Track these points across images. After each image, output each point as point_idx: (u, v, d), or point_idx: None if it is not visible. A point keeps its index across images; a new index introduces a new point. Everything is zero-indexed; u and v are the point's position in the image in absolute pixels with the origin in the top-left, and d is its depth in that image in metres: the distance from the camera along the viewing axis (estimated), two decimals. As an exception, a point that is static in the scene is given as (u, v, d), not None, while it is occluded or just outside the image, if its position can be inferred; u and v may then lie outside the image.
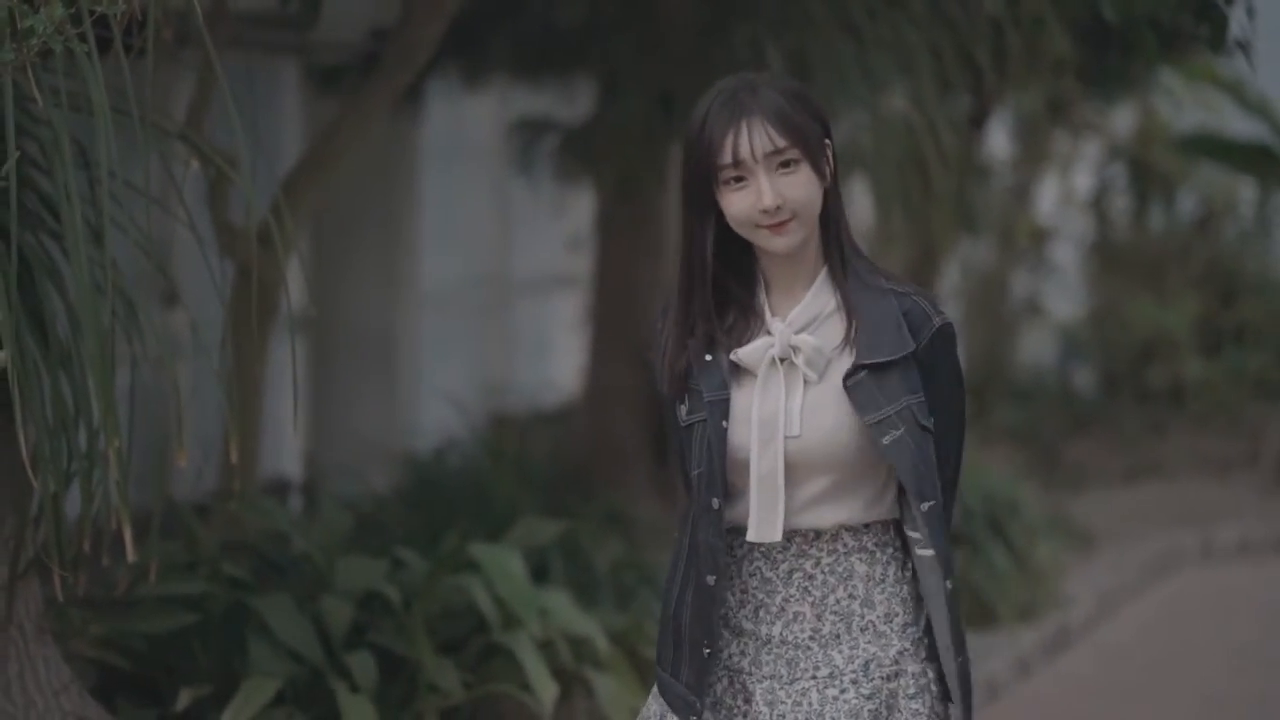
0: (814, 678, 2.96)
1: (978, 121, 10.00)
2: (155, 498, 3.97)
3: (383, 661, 4.83)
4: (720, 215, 2.94)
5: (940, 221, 7.65)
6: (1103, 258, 12.71)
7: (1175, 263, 12.26)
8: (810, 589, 2.98)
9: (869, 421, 2.89)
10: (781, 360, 2.92)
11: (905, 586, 3.00)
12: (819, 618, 2.98)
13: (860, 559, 2.97)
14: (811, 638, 2.98)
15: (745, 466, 2.93)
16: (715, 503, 2.94)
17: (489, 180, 10.13)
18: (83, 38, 3.21)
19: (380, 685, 4.75)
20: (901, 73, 6.17)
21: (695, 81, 6.07)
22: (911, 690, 2.96)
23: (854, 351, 2.92)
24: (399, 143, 8.56)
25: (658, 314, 3.08)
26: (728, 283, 2.99)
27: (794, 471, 2.92)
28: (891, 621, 2.98)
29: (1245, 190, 12.60)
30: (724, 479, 2.94)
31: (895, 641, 2.97)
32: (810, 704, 2.95)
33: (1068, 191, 12.90)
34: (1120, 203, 12.78)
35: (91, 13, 3.19)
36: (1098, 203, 12.81)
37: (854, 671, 2.95)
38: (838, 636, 2.97)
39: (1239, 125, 11.55)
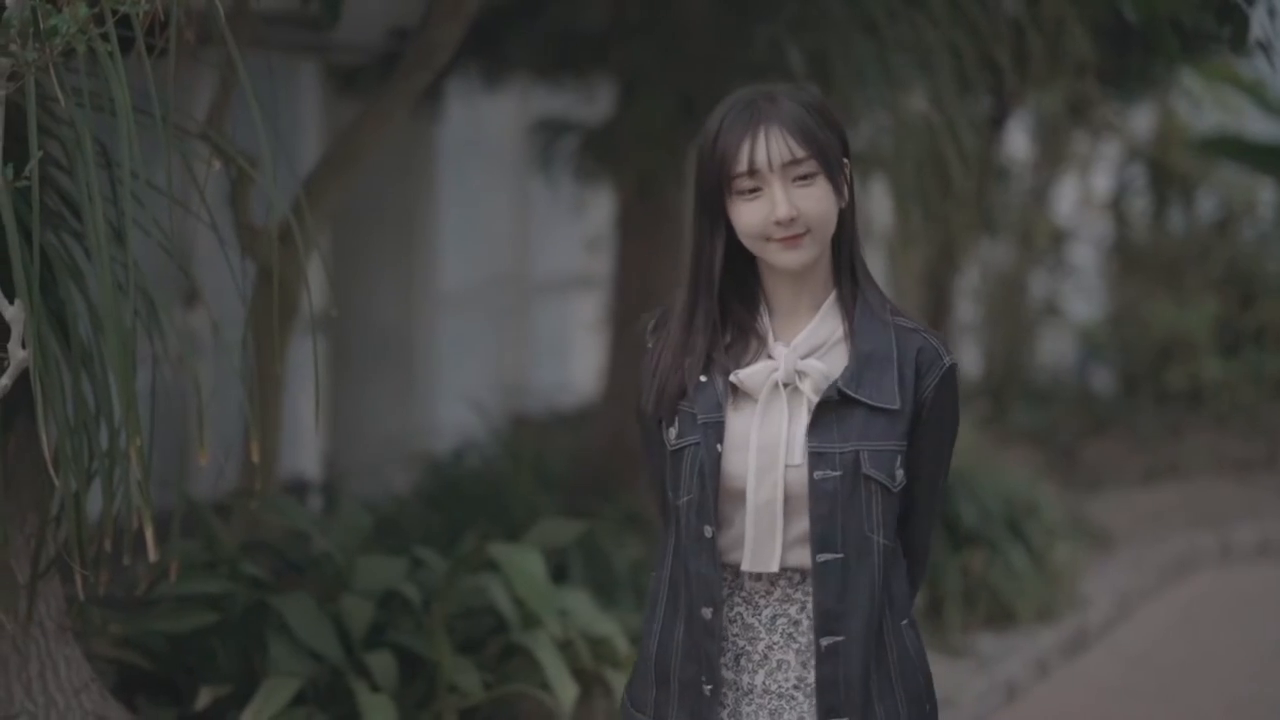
0: None
1: (998, 122, 9.99)
2: (176, 497, 3.98)
3: (402, 661, 4.83)
4: (730, 229, 2.82)
5: (960, 222, 7.64)
6: (1122, 259, 12.67)
7: (1194, 264, 12.21)
8: (795, 635, 2.82)
9: (810, 448, 2.76)
10: (785, 385, 2.79)
11: None
12: (804, 665, 2.82)
13: None
14: (796, 687, 2.83)
15: (737, 494, 2.79)
16: (708, 531, 2.79)
17: (508, 180, 10.13)
18: (105, 37, 3.21)
19: (400, 685, 4.76)
20: (922, 73, 6.15)
21: (716, 82, 6.09)
22: None
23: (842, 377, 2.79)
24: (419, 143, 8.57)
25: (647, 330, 2.94)
26: (730, 301, 2.85)
27: (787, 503, 2.77)
28: None
29: (1265, 191, 12.54)
30: (716, 506, 2.79)
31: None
32: None
33: (1087, 193, 12.87)
34: (1139, 204, 12.74)
35: (114, 12, 3.20)
36: (1117, 204, 12.78)
37: None
38: None
39: (1258, 126, 11.52)
